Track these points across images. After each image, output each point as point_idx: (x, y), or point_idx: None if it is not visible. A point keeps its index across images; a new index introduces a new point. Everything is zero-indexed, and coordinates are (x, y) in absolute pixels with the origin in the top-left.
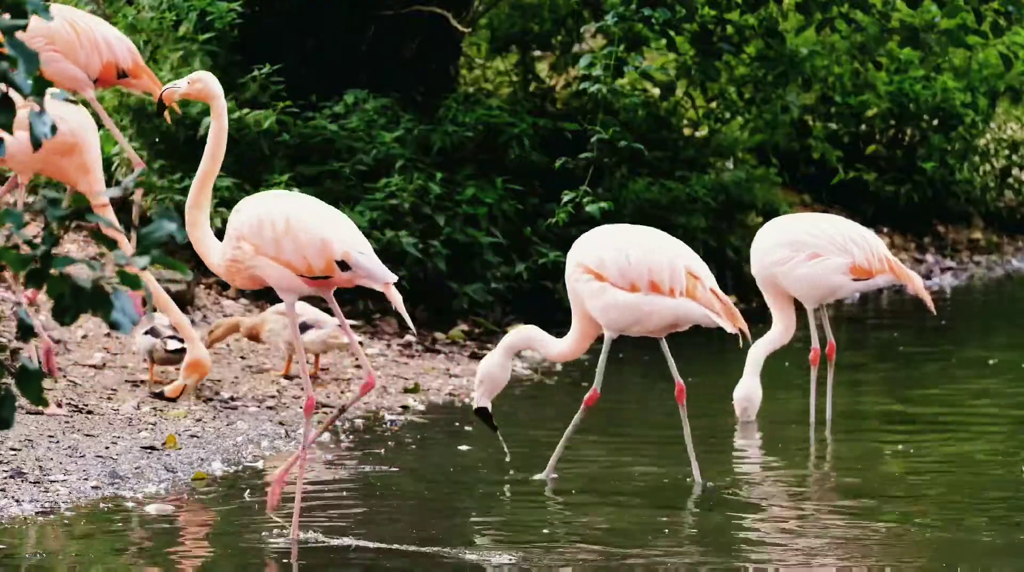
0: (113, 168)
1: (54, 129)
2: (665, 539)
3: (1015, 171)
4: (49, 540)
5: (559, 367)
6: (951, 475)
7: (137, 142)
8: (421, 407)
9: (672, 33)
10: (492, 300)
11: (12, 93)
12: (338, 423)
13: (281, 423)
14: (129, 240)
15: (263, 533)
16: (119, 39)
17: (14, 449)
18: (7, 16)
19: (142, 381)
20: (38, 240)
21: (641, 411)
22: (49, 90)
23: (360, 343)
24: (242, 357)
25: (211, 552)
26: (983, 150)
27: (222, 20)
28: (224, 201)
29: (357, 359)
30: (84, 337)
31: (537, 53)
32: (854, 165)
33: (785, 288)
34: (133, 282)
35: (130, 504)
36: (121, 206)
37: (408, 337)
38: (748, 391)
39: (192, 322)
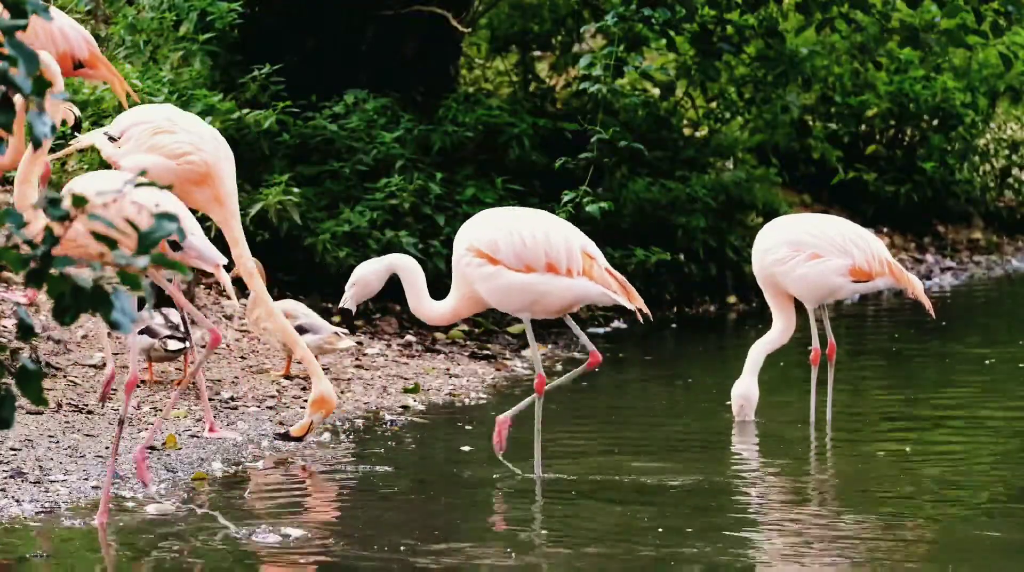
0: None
1: (54, 129)
2: (664, 539)
3: (1015, 171)
4: (49, 540)
5: (559, 367)
6: (951, 475)
7: None
8: (421, 407)
9: (672, 33)
10: None
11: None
12: (338, 423)
13: (281, 423)
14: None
15: (263, 533)
16: (74, 28)
17: (14, 449)
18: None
19: (142, 381)
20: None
21: (641, 411)
22: (49, 90)
23: (359, 343)
24: (242, 357)
25: (211, 552)
26: (983, 150)
27: (222, 20)
28: None
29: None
30: (84, 337)
31: (537, 53)
32: (854, 165)
33: (785, 288)
34: (133, 282)
35: (130, 504)
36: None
37: (408, 337)
38: (746, 389)
39: (192, 322)
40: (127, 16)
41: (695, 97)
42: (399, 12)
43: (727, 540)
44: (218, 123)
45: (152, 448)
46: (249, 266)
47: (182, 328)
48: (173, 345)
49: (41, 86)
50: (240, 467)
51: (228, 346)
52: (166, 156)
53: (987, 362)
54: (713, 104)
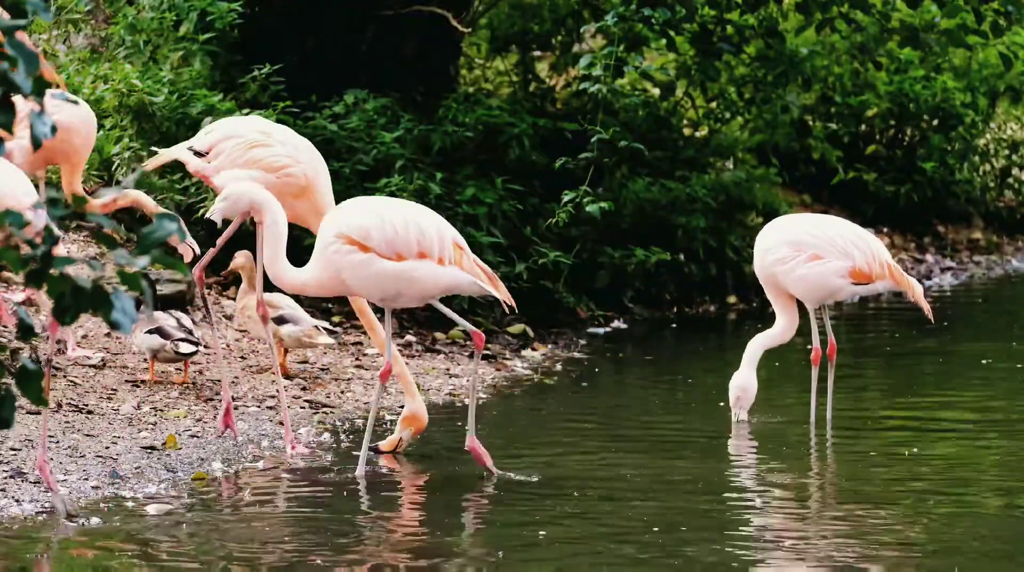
0: (113, 168)
1: (54, 129)
2: (663, 538)
3: (1015, 171)
4: (49, 540)
5: (559, 367)
6: (952, 475)
7: (137, 142)
8: None
9: (672, 33)
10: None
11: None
12: (338, 422)
13: (281, 423)
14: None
15: (262, 533)
16: None
17: (14, 449)
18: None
19: (142, 381)
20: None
21: (641, 410)
22: (50, 91)
23: (358, 343)
24: (242, 357)
25: (211, 552)
26: (983, 150)
27: (222, 20)
28: None
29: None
30: (84, 337)
31: (537, 53)
32: (854, 165)
33: (785, 287)
34: (133, 282)
35: (130, 504)
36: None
37: (408, 337)
38: (744, 381)
39: (192, 322)
40: (127, 16)
41: (695, 97)
42: (399, 12)
43: (727, 540)
44: None
45: (152, 448)
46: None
47: (194, 332)
48: (185, 348)
49: (41, 86)
50: (240, 467)
51: (228, 346)
52: (264, 170)
53: (987, 362)
54: (713, 104)
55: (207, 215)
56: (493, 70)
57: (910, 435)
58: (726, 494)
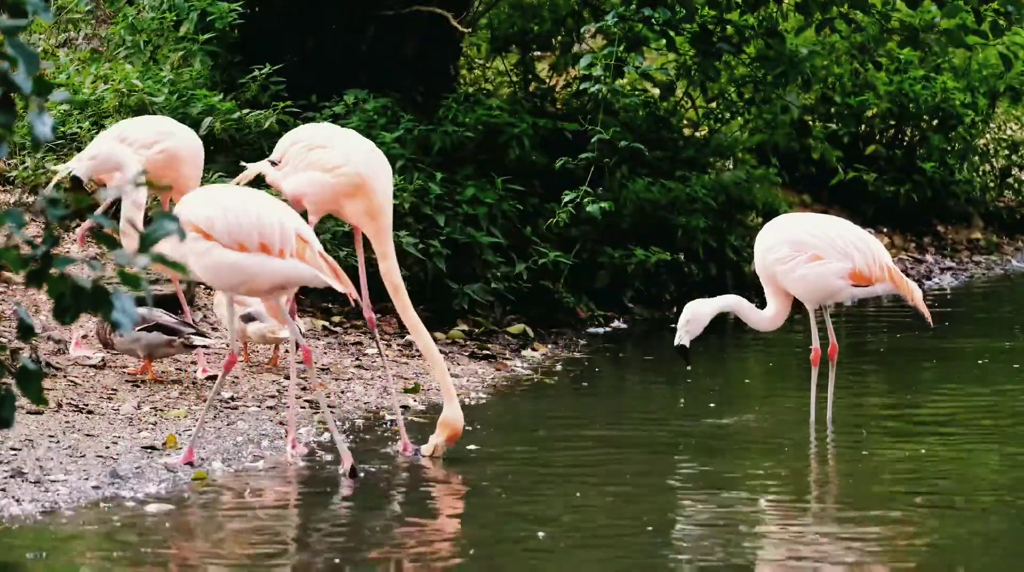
0: None
1: (54, 129)
2: (663, 538)
3: (1015, 171)
4: (49, 540)
5: (559, 367)
6: (952, 475)
7: None
8: (421, 407)
9: (672, 33)
10: (492, 300)
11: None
12: (338, 422)
13: (281, 423)
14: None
15: (262, 533)
16: None
17: (14, 449)
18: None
19: (142, 381)
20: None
21: (641, 410)
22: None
23: (359, 343)
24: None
25: (211, 552)
26: (983, 150)
27: (222, 20)
28: None
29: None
30: (84, 337)
31: (537, 53)
32: (854, 165)
33: (785, 286)
34: (133, 282)
35: (130, 504)
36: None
37: (408, 337)
38: (700, 309)
39: (192, 322)
40: (127, 16)
41: (695, 97)
42: (399, 12)
43: (727, 540)
44: (218, 123)
45: (152, 448)
46: (396, 281)
47: (193, 326)
48: (199, 341)
49: (41, 86)
50: (240, 467)
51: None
52: (321, 170)
53: (987, 362)
54: (713, 104)
55: (71, 170)
56: (493, 70)
57: (910, 435)
58: (726, 494)
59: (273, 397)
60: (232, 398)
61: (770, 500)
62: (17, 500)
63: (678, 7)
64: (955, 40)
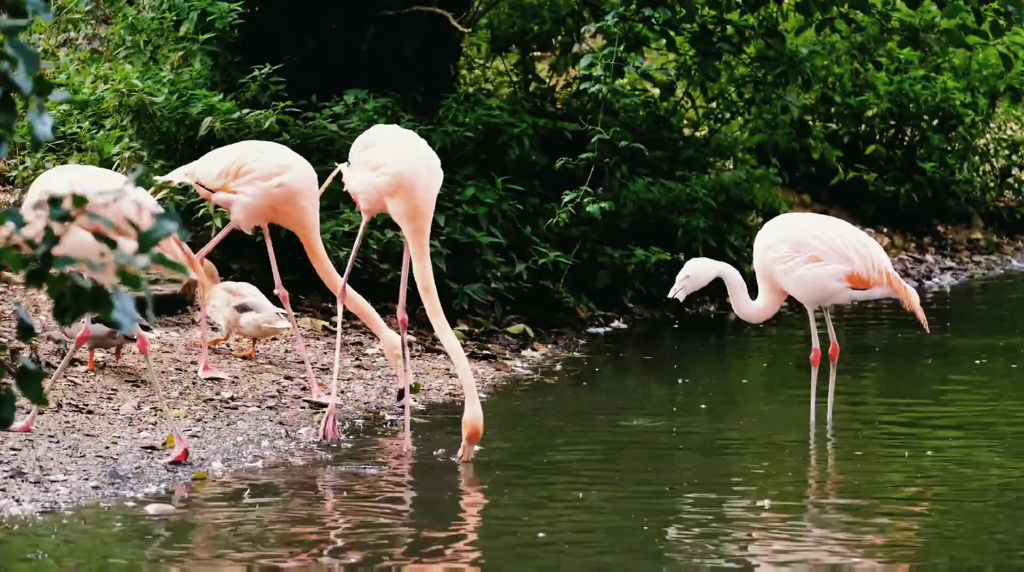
0: (113, 168)
1: (54, 129)
2: (663, 538)
3: (1015, 171)
4: (49, 540)
5: (559, 367)
6: (952, 475)
7: (137, 142)
8: (421, 407)
9: (672, 33)
10: (492, 300)
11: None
12: (338, 423)
13: (281, 423)
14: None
15: (262, 533)
16: None
17: (14, 449)
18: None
19: (142, 381)
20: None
21: (641, 410)
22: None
23: (359, 343)
24: (242, 357)
25: (211, 552)
26: (983, 150)
27: (222, 20)
28: None
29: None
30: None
31: (537, 53)
32: (854, 165)
33: (783, 286)
34: (134, 282)
35: (130, 504)
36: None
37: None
38: (700, 268)
39: (192, 322)
40: (127, 16)
41: (695, 97)
42: (399, 12)
43: (726, 540)
44: (218, 123)
45: (152, 448)
46: (428, 282)
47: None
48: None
49: (41, 86)
50: (240, 467)
51: (228, 346)
52: (369, 169)
53: (987, 362)
54: (713, 104)
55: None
56: (493, 70)
57: (910, 435)
58: (726, 494)
59: (273, 397)
60: (232, 398)
61: (770, 500)
62: (17, 500)
63: (678, 7)
64: (955, 40)
